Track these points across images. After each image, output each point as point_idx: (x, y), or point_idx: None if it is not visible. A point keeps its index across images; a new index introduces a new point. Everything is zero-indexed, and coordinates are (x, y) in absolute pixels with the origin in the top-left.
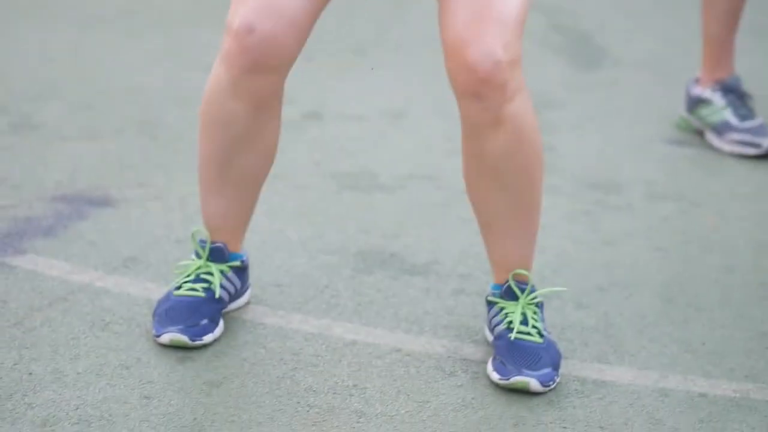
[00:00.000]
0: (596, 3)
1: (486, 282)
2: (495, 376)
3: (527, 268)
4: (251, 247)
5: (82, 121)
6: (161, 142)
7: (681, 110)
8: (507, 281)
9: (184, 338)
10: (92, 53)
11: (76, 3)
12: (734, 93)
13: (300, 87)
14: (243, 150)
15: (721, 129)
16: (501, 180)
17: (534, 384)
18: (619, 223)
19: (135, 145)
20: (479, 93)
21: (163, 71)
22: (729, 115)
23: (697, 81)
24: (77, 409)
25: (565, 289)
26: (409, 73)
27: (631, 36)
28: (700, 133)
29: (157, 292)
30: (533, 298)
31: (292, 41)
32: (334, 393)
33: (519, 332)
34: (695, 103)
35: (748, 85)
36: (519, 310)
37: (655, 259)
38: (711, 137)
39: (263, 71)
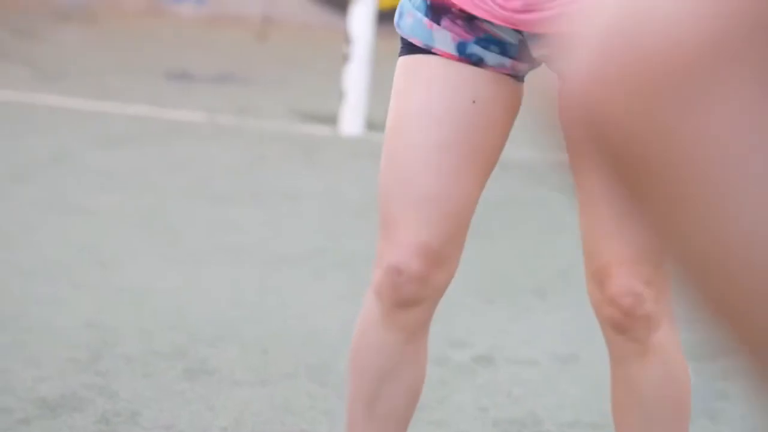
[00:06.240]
0: None
1: None
2: None
3: None
4: None
5: (256, 364)
6: (330, 388)
7: None
8: None
9: None
10: (275, 293)
11: (266, 242)
12: None
13: (475, 329)
14: (391, 382)
15: None
16: (648, 413)
17: None
18: None
19: (303, 390)
20: (622, 325)
21: (342, 314)
22: None
23: None
24: None
25: None
26: (587, 314)
27: None
28: None
29: None
30: None
31: (442, 278)
32: None
33: None
34: None
35: None
36: None
37: None
38: None
39: (414, 305)
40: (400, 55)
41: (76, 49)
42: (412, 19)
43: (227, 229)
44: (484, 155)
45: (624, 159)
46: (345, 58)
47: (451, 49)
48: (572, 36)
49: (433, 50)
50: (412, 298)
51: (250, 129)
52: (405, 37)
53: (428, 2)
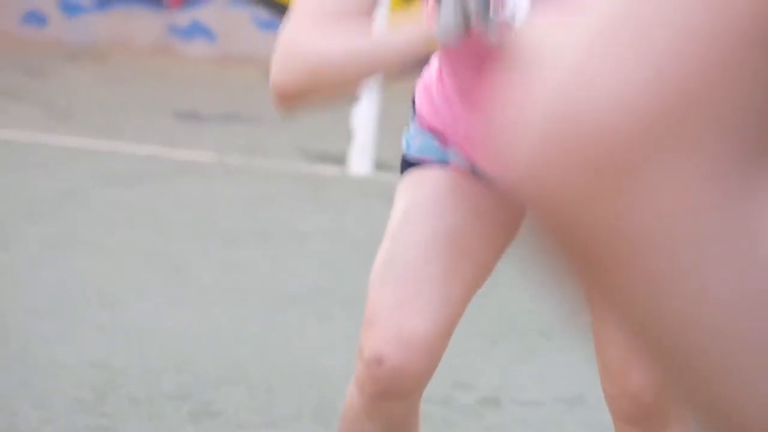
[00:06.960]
0: None
1: None
2: None
3: None
4: None
5: (261, 406)
6: (335, 431)
7: None
8: None
9: None
10: (281, 333)
11: (273, 281)
12: None
13: (481, 371)
14: None
15: None
16: None
17: None
18: None
19: None
20: (637, 418)
21: (345, 353)
22: None
23: None
24: None
25: None
26: (593, 356)
27: None
28: None
29: None
30: None
31: (424, 369)
32: None
33: None
34: None
35: None
36: None
37: None
38: None
39: (394, 398)
40: (403, 173)
41: (86, 88)
42: (420, 142)
43: (234, 268)
44: (485, 258)
45: (571, 244)
46: (353, 98)
47: (466, 165)
48: (510, 125)
49: (448, 164)
50: (394, 392)
51: (258, 168)
52: (416, 157)
53: (435, 137)
